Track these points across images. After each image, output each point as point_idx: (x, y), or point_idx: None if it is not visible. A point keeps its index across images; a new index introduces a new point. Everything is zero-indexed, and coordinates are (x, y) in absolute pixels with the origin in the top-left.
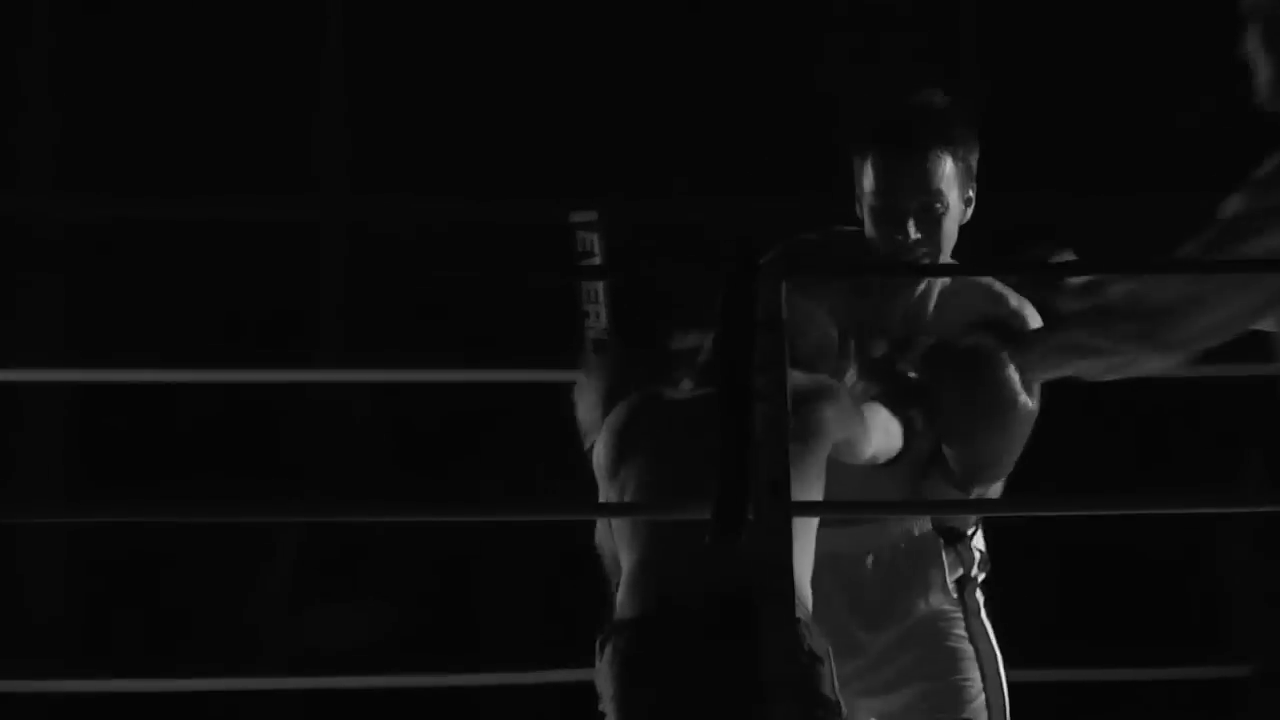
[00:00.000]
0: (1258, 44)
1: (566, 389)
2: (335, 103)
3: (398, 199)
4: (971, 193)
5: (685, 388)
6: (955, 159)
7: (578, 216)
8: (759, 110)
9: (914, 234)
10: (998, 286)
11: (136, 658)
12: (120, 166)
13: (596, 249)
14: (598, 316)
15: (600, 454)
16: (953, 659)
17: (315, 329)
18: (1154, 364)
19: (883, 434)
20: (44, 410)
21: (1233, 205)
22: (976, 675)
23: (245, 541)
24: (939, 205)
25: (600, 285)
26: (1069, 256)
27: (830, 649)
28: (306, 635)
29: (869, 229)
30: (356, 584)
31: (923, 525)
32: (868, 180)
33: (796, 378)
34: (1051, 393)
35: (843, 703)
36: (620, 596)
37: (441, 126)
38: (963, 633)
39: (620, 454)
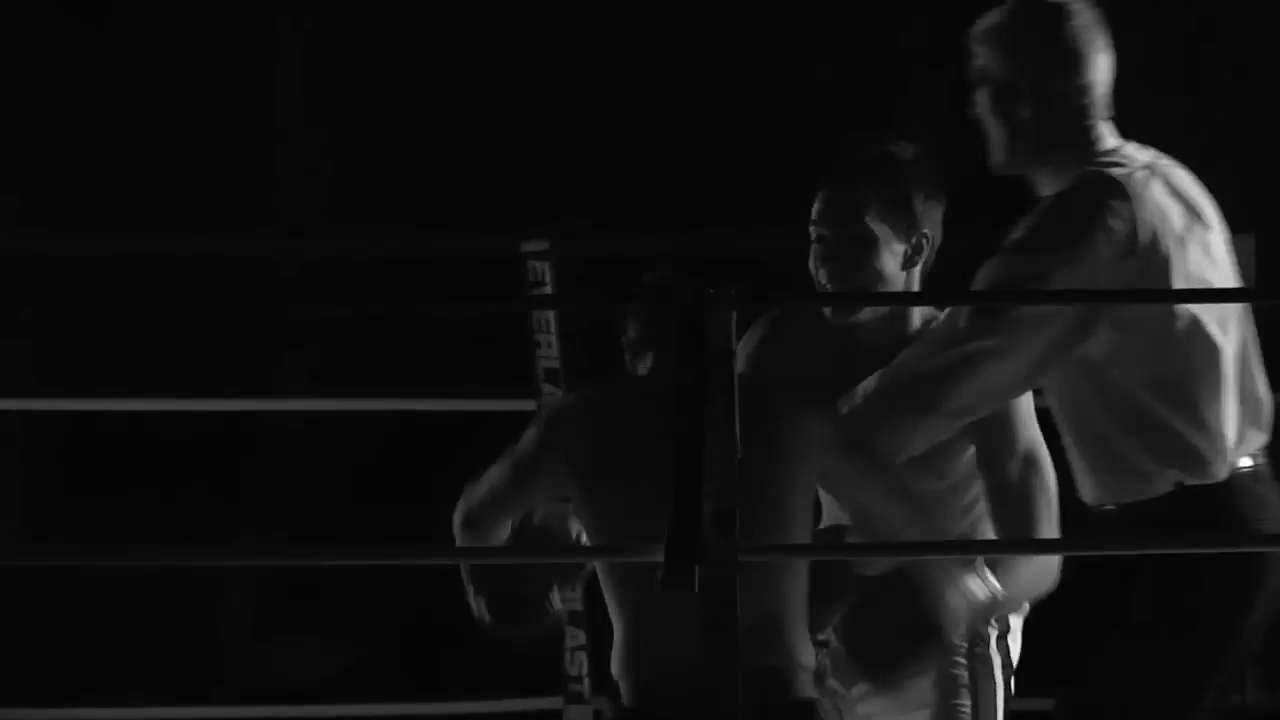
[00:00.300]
0: (987, 108)
1: (521, 418)
2: (299, 139)
3: (358, 231)
4: (920, 240)
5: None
6: (894, 200)
7: (529, 246)
8: (720, 142)
9: (825, 263)
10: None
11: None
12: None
13: (548, 278)
14: (549, 346)
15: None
16: (951, 684)
17: (274, 359)
18: (939, 432)
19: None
20: (2, 429)
21: (989, 273)
22: (969, 703)
23: (208, 571)
24: (864, 239)
25: (551, 315)
26: None
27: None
28: (271, 666)
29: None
30: (319, 615)
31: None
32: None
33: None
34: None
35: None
36: (616, 667)
37: (400, 155)
38: (963, 659)
39: (585, 467)
